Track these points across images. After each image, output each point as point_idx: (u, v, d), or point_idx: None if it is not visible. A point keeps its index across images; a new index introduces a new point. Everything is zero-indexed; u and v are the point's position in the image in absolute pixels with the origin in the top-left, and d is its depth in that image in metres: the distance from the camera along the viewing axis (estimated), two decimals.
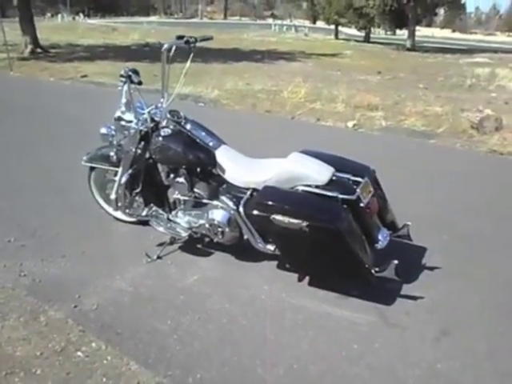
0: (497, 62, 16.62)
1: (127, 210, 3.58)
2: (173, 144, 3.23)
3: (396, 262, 2.84)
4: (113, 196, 3.51)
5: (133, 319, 2.79)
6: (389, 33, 29.71)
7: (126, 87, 3.23)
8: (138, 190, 3.59)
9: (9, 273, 3.20)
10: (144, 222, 3.71)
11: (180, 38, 3.28)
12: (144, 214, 3.58)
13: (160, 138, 3.26)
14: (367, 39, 25.84)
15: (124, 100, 3.29)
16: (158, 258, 3.41)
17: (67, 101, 8.88)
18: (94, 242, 3.62)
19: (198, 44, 3.30)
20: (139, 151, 3.42)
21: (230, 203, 3.18)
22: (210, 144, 3.26)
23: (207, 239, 3.55)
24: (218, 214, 3.23)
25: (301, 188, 2.96)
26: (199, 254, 3.47)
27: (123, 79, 3.17)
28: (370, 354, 2.59)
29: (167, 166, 3.41)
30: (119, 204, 3.51)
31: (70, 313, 2.82)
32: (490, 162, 6.07)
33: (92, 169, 3.78)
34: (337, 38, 27.70)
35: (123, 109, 3.38)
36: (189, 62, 3.29)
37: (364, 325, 2.81)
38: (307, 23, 39.97)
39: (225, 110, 8.70)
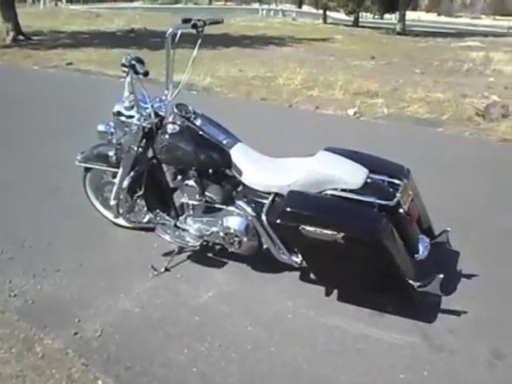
0: (489, 46, 16.32)
1: (129, 217, 3.19)
2: (182, 142, 2.84)
3: (441, 276, 2.50)
4: (112, 201, 3.12)
5: (143, 348, 2.41)
6: (376, 17, 29.29)
7: (128, 78, 2.81)
8: (139, 194, 3.20)
9: None
10: (146, 228, 3.33)
11: (186, 21, 2.88)
12: (146, 220, 3.20)
13: (166, 136, 2.87)
14: (356, 23, 25.36)
15: (127, 93, 2.88)
16: (166, 270, 3.03)
17: (53, 90, 8.35)
18: (92, 252, 3.23)
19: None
20: (141, 150, 3.02)
21: (249, 209, 2.80)
22: (224, 142, 2.88)
23: (219, 247, 3.18)
24: (234, 222, 2.85)
25: (331, 192, 2.60)
26: (211, 265, 3.10)
27: (126, 69, 2.74)
28: None
29: (174, 167, 3.01)
30: (121, 210, 3.11)
31: (70, 341, 2.44)
32: (504, 151, 5.76)
33: (87, 169, 3.37)
34: (325, 22, 27.18)
35: (123, 102, 2.97)
36: (196, 48, 2.91)
37: (406, 347, 2.47)
38: (293, 8, 39.28)
39: (219, 98, 8.27)
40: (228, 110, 7.25)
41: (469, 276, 3.03)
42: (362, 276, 2.58)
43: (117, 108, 2.97)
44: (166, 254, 3.17)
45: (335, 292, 2.85)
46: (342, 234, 2.40)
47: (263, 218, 2.67)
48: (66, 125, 6.04)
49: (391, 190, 2.62)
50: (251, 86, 9.02)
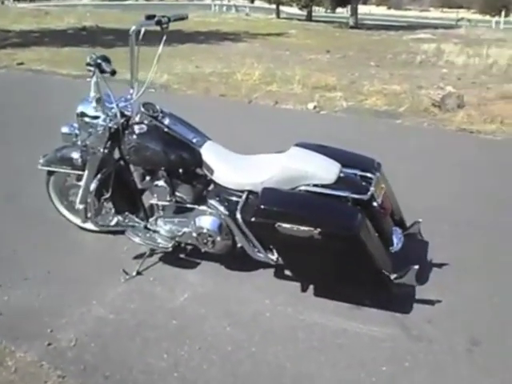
0: (440, 38, 16.72)
1: (97, 220, 3.09)
2: (150, 143, 2.77)
3: (417, 267, 2.53)
4: (80, 205, 3.02)
5: (121, 356, 2.34)
6: (329, 11, 29.51)
7: (94, 78, 2.71)
8: (107, 196, 3.10)
9: None
10: (114, 231, 3.24)
11: (150, 17, 2.80)
12: (114, 223, 3.12)
13: (134, 136, 2.79)
14: (309, 18, 25.47)
15: (93, 93, 2.78)
16: (138, 273, 2.96)
17: (5, 91, 8.04)
18: (59, 258, 3.12)
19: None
20: (108, 151, 2.93)
21: (221, 208, 2.76)
22: (194, 140, 2.82)
23: (191, 248, 3.12)
24: (207, 221, 2.80)
25: (304, 188, 2.59)
26: (184, 267, 3.04)
27: (91, 68, 2.64)
28: (402, 376, 2.27)
29: (143, 167, 2.93)
30: (89, 214, 3.01)
31: (44, 353, 2.34)
32: (463, 140, 5.90)
33: (50, 173, 3.24)
34: (278, 17, 27.20)
35: (87, 103, 2.87)
36: (161, 45, 2.83)
37: (386, 340, 2.49)
38: (246, 3, 39.20)
39: (177, 95, 8.14)
40: (187, 107, 7.10)
41: (439, 265, 3.08)
42: (339, 270, 2.58)
43: (81, 109, 2.87)
44: (137, 257, 3.10)
45: (311, 288, 2.85)
46: (318, 230, 2.39)
47: (238, 216, 2.63)
48: (21, 128, 5.82)
49: (364, 183, 2.63)
50: (209, 83, 8.93)
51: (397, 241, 2.71)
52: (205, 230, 2.80)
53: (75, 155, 3.05)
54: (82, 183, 3.08)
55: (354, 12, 21.59)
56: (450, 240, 3.37)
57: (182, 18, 3.00)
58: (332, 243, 2.43)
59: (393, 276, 2.54)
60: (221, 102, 7.86)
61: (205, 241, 2.83)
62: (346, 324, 2.58)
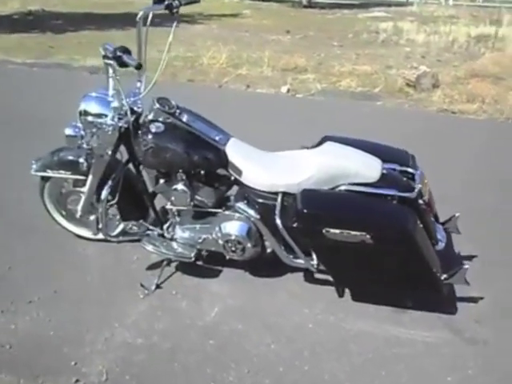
0: (395, 16, 16.67)
1: (109, 231, 2.78)
2: (170, 143, 2.47)
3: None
4: (80, 213, 2.75)
5: None
6: None
7: (111, 73, 2.38)
8: (113, 202, 2.78)
9: None
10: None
11: (159, 1, 2.50)
12: (127, 232, 2.81)
13: (150, 136, 2.47)
14: None
15: (112, 91, 2.45)
16: (157, 287, 2.68)
17: None
18: (63, 274, 2.78)
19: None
20: (115, 154, 2.62)
21: (251, 212, 2.51)
22: (217, 138, 2.54)
23: (206, 254, 2.84)
24: (235, 227, 2.55)
25: (345, 188, 2.37)
26: (205, 276, 2.78)
27: (111, 62, 2.30)
28: None
29: (159, 170, 2.63)
30: (100, 225, 2.69)
31: None
32: (447, 121, 5.84)
33: (45, 179, 2.89)
34: None
35: (90, 99, 2.54)
36: (172, 32, 2.54)
37: (442, 345, 2.33)
38: None
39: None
40: (155, 93, 6.78)
41: (468, 257, 2.96)
42: (390, 274, 2.39)
43: (84, 106, 2.52)
44: (151, 268, 2.82)
45: (347, 292, 2.66)
46: (370, 234, 2.19)
47: (277, 221, 2.38)
48: None
49: (406, 179, 2.45)
50: (174, 67, 8.52)
51: (441, 238, 2.55)
52: (233, 237, 2.54)
53: (76, 158, 2.71)
54: (84, 189, 2.76)
55: None
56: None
57: (194, 2, 2.70)
58: (385, 246, 2.24)
59: (443, 276, 2.39)
60: (189, 87, 7.50)
61: (233, 248, 2.58)
62: (395, 330, 2.41)
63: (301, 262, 2.52)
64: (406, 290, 2.51)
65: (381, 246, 2.23)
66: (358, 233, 2.20)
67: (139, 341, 2.32)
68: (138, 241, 2.76)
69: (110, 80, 2.41)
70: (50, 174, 2.81)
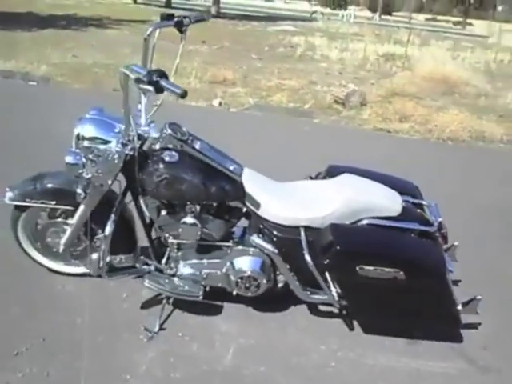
0: (304, 31, 17.20)
1: (108, 271, 2.49)
2: (187, 174, 2.27)
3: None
4: (63, 246, 2.51)
5: None
6: None
7: (145, 99, 2.14)
8: (101, 235, 2.50)
9: None
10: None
11: (168, 17, 2.31)
12: (126, 269, 2.56)
13: (162, 166, 2.26)
14: (169, 5, 24.25)
15: (145, 119, 2.21)
16: (161, 329, 2.45)
17: None
18: (48, 318, 2.46)
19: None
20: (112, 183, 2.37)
21: (269, 246, 2.38)
22: (231, 168, 2.38)
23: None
24: (250, 263, 2.41)
25: (367, 222, 2.32)
26: (207, 313, 2.59)
27: (147, 87, 1.98)
28: None
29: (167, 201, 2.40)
30: (101, 264, 2.40)
31: None
32: (386, 140, 6.07)
33: (20, 209, 2.54)
34: (135, 2, 25.63)
35: (87, 122, 2.28)
36: (180, 50, 2.38)
37: (460, 376, 2.36)
38: None
39: (64, 89, 7.17)
40: (81, 104, 6.36)
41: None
42: (417, 308, 2.37)
43: (80, 130, 2.26)
44: (145, 307, 2.58)
45: (355, 323, 2.62)
46: (404, 270, 2.17)
47: (307, 258, 2.27)
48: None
49: (422, 212, 2.47)
50: (96, 75, 8.08)
51: (451, 269, 2.59)
52: (248, 273, 2.40)
53: (61, 186, 2.44)
54: (71, 221, 2.47)
55: (217, 1, 21.27)
56: None
57: (203, 19, 2.53)
58: (416, 282, 2.22)
59: (459, 307, 2.42)
60: (116, 97, 7.07)
61: (247, 285, 2.43)
62: (415, 363, 2.41)
63: (319, 297, 2.43)
64: (427, 323, 2.51)
65: (412, 282, 2.21)
66: (391, 269, 2.16)
67: None
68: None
69: (143, 106, 2.18)
70: (29, 203, 2.48)
